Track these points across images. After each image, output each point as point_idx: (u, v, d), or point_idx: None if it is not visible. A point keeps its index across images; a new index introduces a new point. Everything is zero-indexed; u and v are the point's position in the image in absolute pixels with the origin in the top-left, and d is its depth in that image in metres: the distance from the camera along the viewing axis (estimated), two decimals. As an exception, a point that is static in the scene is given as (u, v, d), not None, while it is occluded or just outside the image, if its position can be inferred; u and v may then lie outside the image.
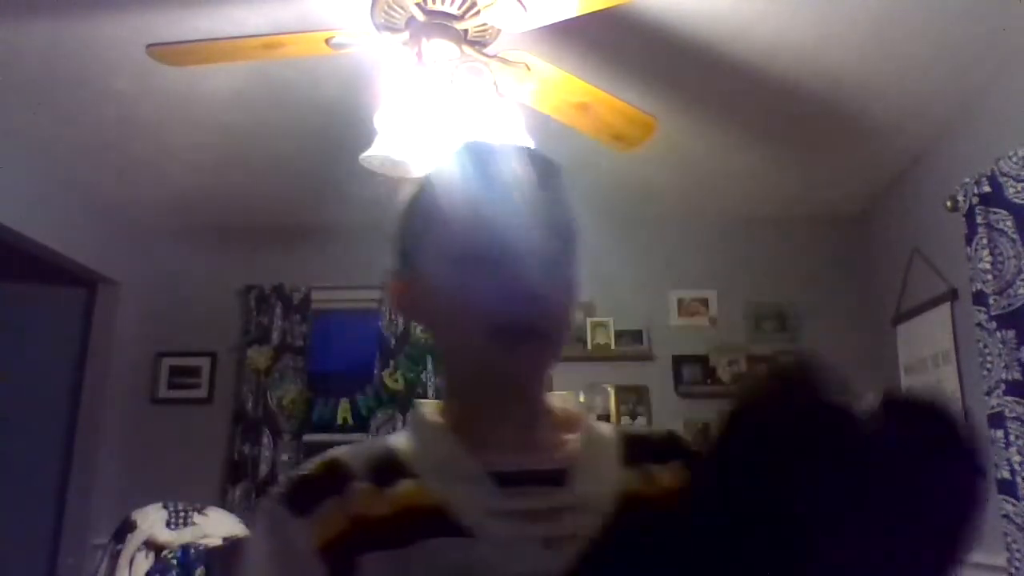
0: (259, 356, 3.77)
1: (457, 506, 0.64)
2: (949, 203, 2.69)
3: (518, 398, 0.71)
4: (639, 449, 0.74)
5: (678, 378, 3.72)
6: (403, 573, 0.61)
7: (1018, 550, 2.33)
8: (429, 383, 3.71)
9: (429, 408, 0.75)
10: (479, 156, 0.73)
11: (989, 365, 2.48)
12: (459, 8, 1.85)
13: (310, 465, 0.69)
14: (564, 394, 0.79)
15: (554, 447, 0.71)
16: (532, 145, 1.97)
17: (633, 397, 3.68)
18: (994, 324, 2.45)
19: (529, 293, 0.66)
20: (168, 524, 2.83)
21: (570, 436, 0.73)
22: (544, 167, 0.73)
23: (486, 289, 0.67)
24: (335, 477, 0.67)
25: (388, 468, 0.68)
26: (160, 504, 2.92)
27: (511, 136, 1.97)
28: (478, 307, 0.67)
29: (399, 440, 0.73)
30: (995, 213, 2.49)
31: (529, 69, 2.05)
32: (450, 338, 0.72)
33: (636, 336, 3.73)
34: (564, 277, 0.70)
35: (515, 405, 0.71)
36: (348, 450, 0.71)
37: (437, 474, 0.68)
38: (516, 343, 0.67)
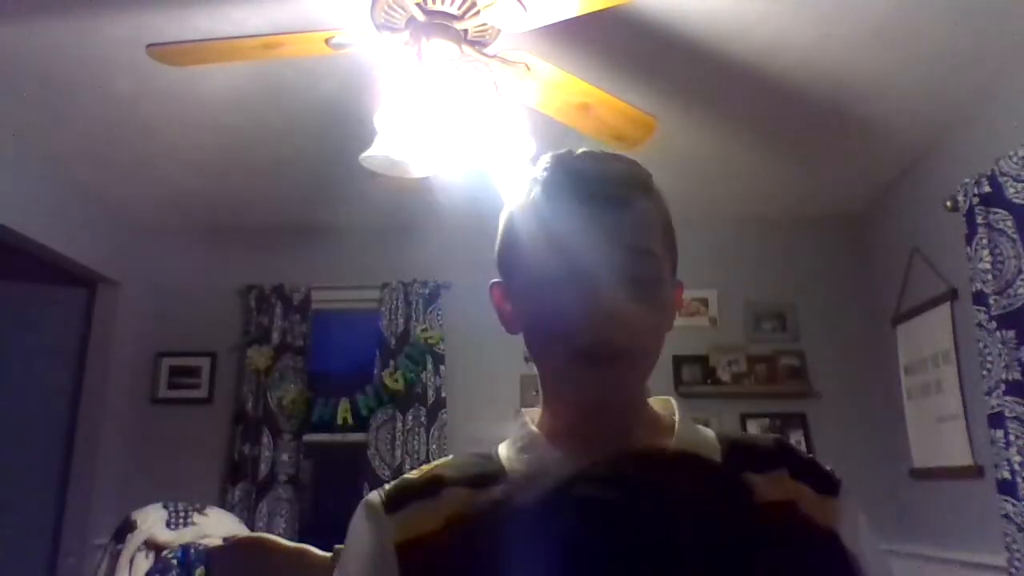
0: (259, 356, 3.77)
1: None
2: (949, 203, 2.69)
3: (606, 411, 0.72)
4: (740, 456, 0.73)
5: (678, 378, 3.72)
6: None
7: (1018, 550, 2.33)
8: (429, 383, 3.70)
9: (529, 416, 0.77)
10: (574, 170, 0.73)
11: (989, 365, 2.48)
12: (459, 8, 1.85)
13: (415, 471, 0.75)
14: (663, 399, 0.79)
15: None
16: (533, 146, 1.97)
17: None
18: (994, 324, 2.45)
19: (609, 314, 0.67)
20: (168, 524, 2.83)
21: (666, 442, 0.73)
22: (632, 179, 0.73)
23: (567, 311, 0.68)
24: (431, 484, 0.71)
25: (485, 475, 0.71)
26: (160, 504, 2.92)
27: (516, 140, 1.97)
28: (560, 328, 0.68)
29: (503, 448, 0.76)
30: (995, 213, 2.49)
31: (529, 69, 2.04)
32: (538, 354, 0.74)
33: (636, 336, 3.73)
34: (649, 293, 0.70)
35: (604, 416, 0.71)
36: (453, 459, 0.76)
37: (529, 480, 0.70)
38: (598, 364, 0.68)
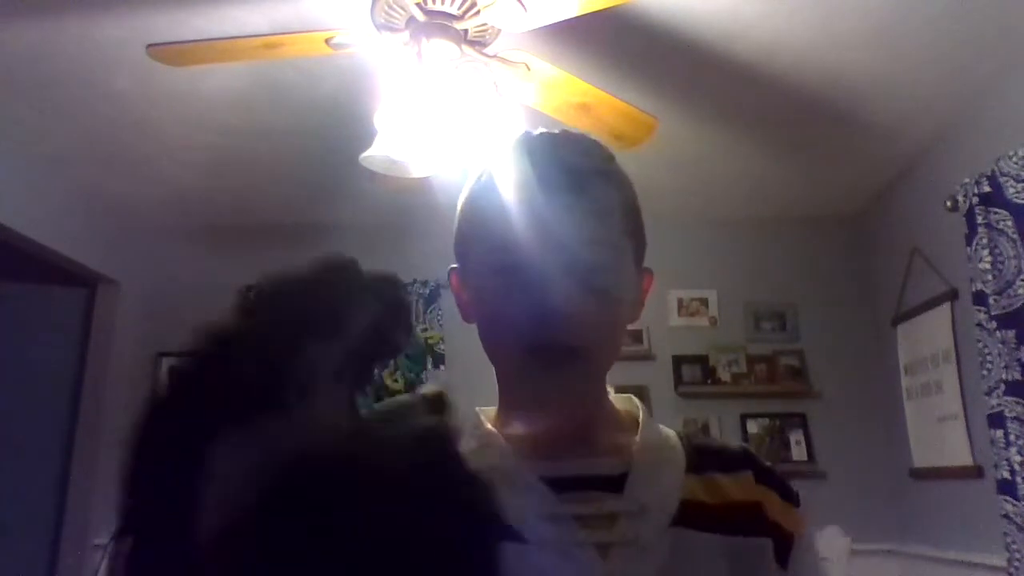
0: (259, 356, 3.76)
1: (511, 512, 0.62)
2: (949, 203, 2.69)
3: (564, 410, 0.69)
4: (706, 458, 0.71)
5: (678, 378, 3.72)
6: None
7: (1018, 550, 2.33)
8: (429, 383, 3.70)
9: (483, 415, 0.74)
10: (528, 156, 0.69)
11: (989, 365, 2.48)
12: (459, 8, 1.85)
13: None
14: (625, 396, 0.77)
15: (612, 452, 0.69)
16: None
17: (633, 397, 3.68)
18: (994, 324, 2.45)
19: (562, 313, 0.64)
20: (168, 524, 2.83)
21: (629, 440, 0.71)
22: (591, 163, 0.70)
23: (521, 306, 0.64)
24: None
25: None
26: (160, 504, 2.92)
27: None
28: (511, 326, 0.66)
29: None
30: (995, 213, 2.49)
31: (529, 69, 2.04)
32: (490, 349, 0.71)
33: (636, 336, 3.73)
34: (609, 288, 0.67)
35: (561, 415, 0.69)
36: None
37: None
38: (552, 363, 0.65)
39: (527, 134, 0.72)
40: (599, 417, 0.72)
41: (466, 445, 0.69)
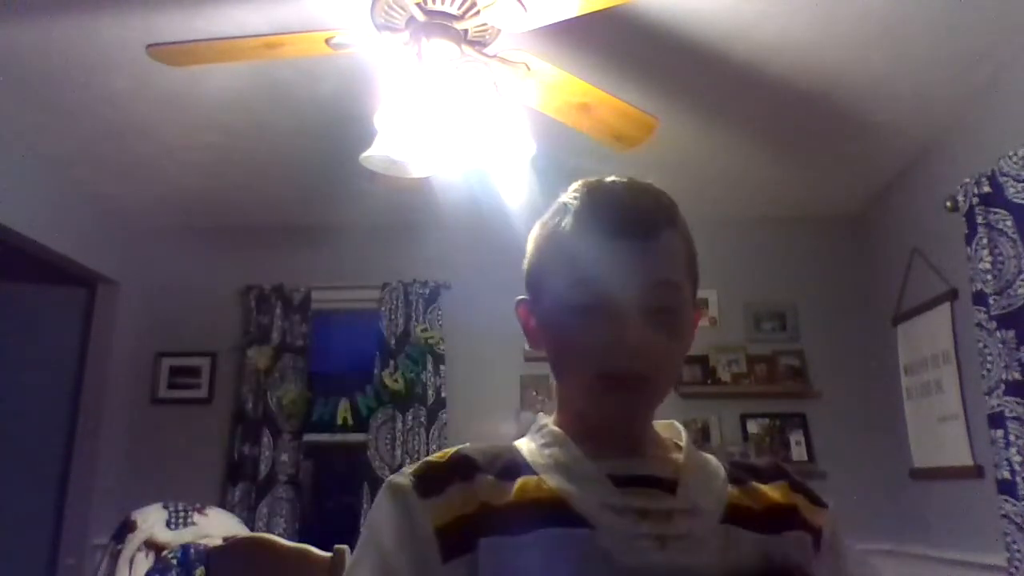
0: (259, 356, 3.77)
1: (576, 500, 0.71)
2: (949, 203, 2.69)
3: (623, 426, 0.78)
4: (743, 471, 0.81)
5: (678, 378, 3.72)
6: (523, 557, 0.67)
7: (1018, 550, 2.33)
8: (429, 383, 3.70)
9: (548, 419, 0.82)
10: (603, 202, 0.76)
11: (989, 365, 2.48)
12: (459, 8, 1.85)
13: (439, 454, 0.77)
14: (667, 422, 0.86)
15: (662, 460, 0.78)
16: (533, 146, 1.98)
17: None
18: (994, 324, 2.45)
19: (634, 345, 0.71)
20: (168, 524, 2.84)
21: (675, 454, 0.80)
22: (660, 212, 0.77)
23: (594, 339, 0.72)
24: (462, 467, 0.74)
25: (511, 465, 0.75)
26: (160, 504, 2.92)
27: (516, 140, 1.97)
28: (586, 355, 0.74)
29: (520, 443, 0.81)
30: (995, 213, 2.49)
31: (529, 69, 2.05)
32: (562, 373, 0.79)
33: (636, 336, 3.72)
34: (672, 323, 0.74)
35: (620, 430, 0.78)
36: (474, 446, 0.78)
37: (557, 472, 0.74)
38: (620, 389, 0.73)
39: (600, 181, 0.79)
40: (647, 435, 0.81)
41: (534, 441, 0.80)
